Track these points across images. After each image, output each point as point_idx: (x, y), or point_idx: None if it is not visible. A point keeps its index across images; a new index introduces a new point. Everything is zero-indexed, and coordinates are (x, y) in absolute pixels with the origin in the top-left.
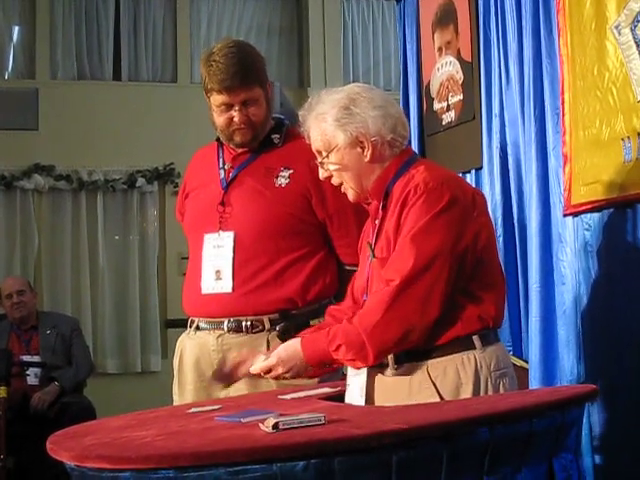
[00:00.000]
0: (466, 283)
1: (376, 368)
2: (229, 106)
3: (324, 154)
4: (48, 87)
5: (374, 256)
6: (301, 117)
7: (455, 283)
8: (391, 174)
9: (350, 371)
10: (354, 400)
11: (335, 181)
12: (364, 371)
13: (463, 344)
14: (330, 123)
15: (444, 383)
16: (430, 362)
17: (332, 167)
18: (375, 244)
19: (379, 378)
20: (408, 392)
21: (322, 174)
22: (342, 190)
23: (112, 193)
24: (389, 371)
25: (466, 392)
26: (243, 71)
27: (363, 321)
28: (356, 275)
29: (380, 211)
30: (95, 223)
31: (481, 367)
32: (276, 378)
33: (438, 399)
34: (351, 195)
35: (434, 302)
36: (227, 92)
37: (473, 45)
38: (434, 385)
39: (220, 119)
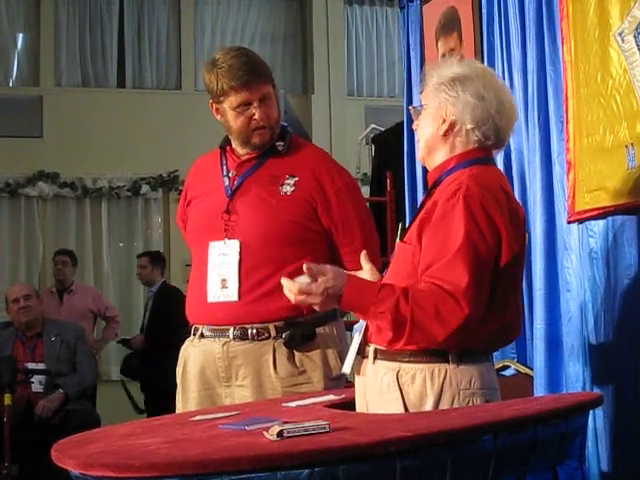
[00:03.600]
0: None
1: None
2: (247, 105)
3: (419, 104)
4: (52, 94)
5: (402, 237)
6: (437, 64)
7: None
8: (451, 164)
9: None
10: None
11: (417, 133)
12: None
13: (438, 355)
14: (433, 83)
15: (410, 390)
16: (402, 366)
17: (417, 120)
18: (409, 226)
19: (364, 362)
20: (379, 390)
21: (415, 120)
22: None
23: (116, 200)
24: (369, 361)
25: (429, 404)
26: (257, 67)
27: (415, 310)
28: None
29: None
30: (99, 230)
31: (450, 382)
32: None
33: (401, 405)
34: (418, 153)
35: (478, 315)
36: (247, 87)
37: (477, 52)
38: (400, 390)
39: (238, 121)
